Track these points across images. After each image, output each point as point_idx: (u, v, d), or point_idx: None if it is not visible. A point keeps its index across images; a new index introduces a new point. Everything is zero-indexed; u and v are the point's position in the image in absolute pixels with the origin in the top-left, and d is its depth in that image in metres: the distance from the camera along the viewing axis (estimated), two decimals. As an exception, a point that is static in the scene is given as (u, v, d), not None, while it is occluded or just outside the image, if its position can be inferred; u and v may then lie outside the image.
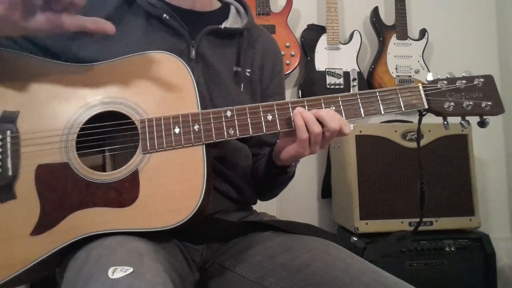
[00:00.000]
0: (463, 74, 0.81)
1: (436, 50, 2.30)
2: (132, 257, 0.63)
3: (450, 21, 2.34)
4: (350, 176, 1.72)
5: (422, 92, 0.81)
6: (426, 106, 0.81)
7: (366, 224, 1.68)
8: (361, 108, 0.79)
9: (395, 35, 2.15)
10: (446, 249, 1.69)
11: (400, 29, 2.15)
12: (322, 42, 2.10)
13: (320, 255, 0.77)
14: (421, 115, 0.84)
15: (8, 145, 0.76)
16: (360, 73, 2.10)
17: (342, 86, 2.07)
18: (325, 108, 0.78)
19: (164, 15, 0.86)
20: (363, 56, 2.21)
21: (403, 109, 0.80)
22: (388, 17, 2.23)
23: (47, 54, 0.84)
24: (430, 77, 0.82)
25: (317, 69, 2.07)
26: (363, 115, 0.79)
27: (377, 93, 0.80)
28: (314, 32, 2.12)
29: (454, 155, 1.77)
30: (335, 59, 2.09)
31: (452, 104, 0.80)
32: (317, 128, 0.75)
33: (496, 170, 2.28)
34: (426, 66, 2.14)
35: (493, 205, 2.25)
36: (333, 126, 0.74)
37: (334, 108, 0.78)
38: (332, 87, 2.06)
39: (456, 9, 2.35)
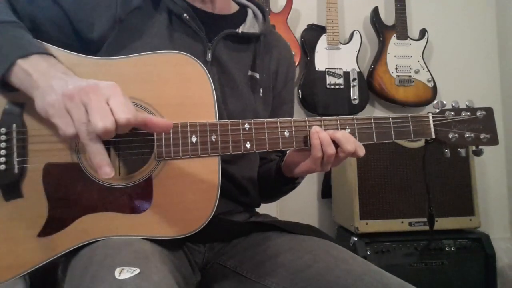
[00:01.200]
0: (466, 104, 0.85)
1: (436, 50, 2.30)
2: (138, 258, 0.63)
3: (450, 21, 2.34)
4: (350, 176, 1.72)
5: (431, 122, 0.84)
6: (434, 136, 0.84)
7: (366, 224, 1.68)
8: (374, 133, 0.82)
9: (395, 35, 2.15)
10: (446, 249, 1.69)
11: (400, 29, 2.15)
12: (322, 42, 2.10)
13: (321, 256, 0.77)
14: (427, 143, 0.88)
15: (14, 141, 0.70)
16: (360, 73, 2.10)
17: (342, 86, 2.07)
18: (340, 128, 0.80)
19: (185, 14, 0.86)
20: (363, 56, 2.21)
21: (412, 137, 0.83)
22: (388, 17, 2.22)
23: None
24: (438, 105, 0.85)
25: (317, 69, 2.07)
26: (375, 140, 0.82)
27: (391, 119, 0.82)
28: (314, 32, 2.12)
29: (454, 155, 1.77)
30: (335, 59, 2.09)
31: (456, 135, 0.84)
32: (331, 150, 0.77)
33: (496, 170, 2.28)
34: (426, 66, 2.14)
35: (493, 205, 2.25)
36: (349, 149, 0.77)
37: (349, 130, 0.80)
38: (332, 87, 2.06)
39: (456, 9, 2.35)
